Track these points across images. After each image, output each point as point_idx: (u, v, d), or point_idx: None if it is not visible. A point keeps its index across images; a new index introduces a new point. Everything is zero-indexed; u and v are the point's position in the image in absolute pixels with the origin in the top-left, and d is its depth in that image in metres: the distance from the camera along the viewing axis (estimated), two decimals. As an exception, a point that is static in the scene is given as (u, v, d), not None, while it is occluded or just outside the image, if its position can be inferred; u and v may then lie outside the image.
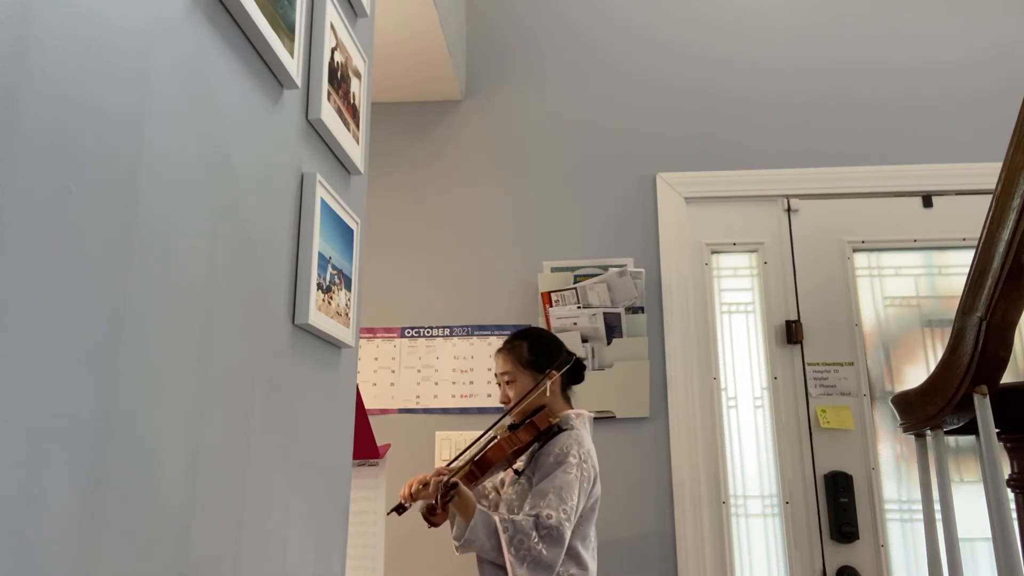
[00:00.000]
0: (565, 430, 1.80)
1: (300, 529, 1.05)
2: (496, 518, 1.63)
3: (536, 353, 1.87)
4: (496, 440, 1.75)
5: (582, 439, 1.78)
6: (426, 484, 1.76)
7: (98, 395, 0.62)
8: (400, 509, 1.79)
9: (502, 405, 1.90)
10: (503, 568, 1.61)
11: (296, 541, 1.03)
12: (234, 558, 0.86)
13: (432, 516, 1.66)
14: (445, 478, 1.64)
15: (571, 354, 1.96)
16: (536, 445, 1.80)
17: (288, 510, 1.01)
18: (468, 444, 1.85)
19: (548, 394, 1.85)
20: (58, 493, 0.57)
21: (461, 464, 1.73)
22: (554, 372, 1.87)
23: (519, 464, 1.85)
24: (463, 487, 1.64)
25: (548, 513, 1.63)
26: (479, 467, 1.72)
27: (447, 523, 1.81)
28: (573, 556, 1.70)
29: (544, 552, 1.60)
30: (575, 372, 1.96)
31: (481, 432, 1.83)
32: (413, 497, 1.77)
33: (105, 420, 0.63)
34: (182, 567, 0.75)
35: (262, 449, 0.93)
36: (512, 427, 1.83)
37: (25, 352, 0.54)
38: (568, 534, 1.64)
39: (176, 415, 0.74)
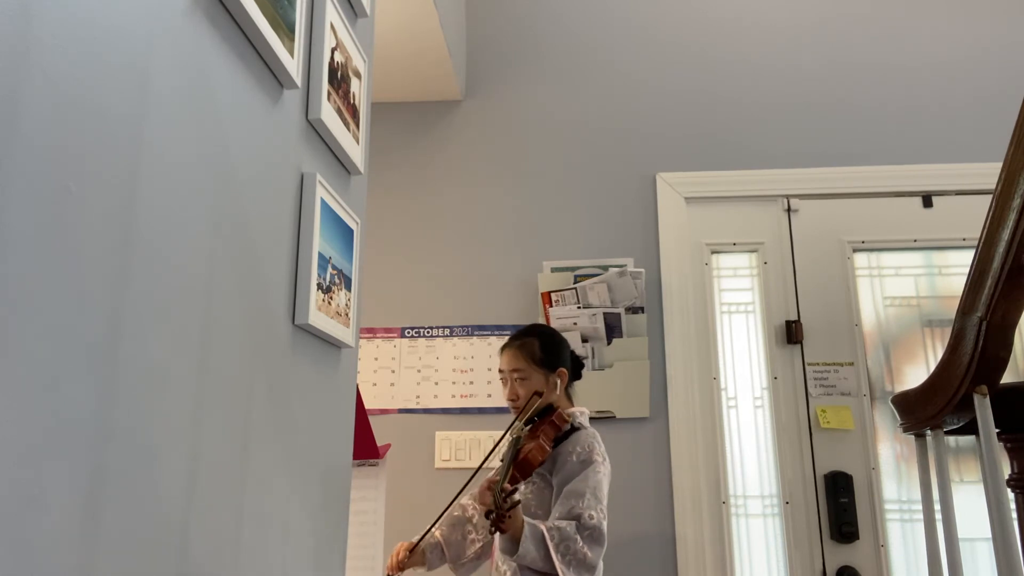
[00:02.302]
0: (577, 428, 1.81)
1: (300, 529, 1.05)
2: (542, 527, 1.61)
3: (548, 350, 1.87)
4: (532, 444, 1.68)
5: (598, 437, 1.80)
6: (412, 551, 1.77)
7: (98, 395, 0.62)
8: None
9: (508, 402, 1.89)
10: (542, 574, 1.61)
11: (296, 541, 1.03)
12: (234, 558, 0.86)
13: (501, 523, 1.53)
14: (498, 485, 1.55)
15: (574, 353, 1.98)
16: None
17: (288, 510, 1.01)
18: (490, 449, 1.83)
19: (557, 393, 1.85)
20: (58, 493, 0.57)
21: (504, 470, 1.63)
22: (564, 372, 1.87)
23: None
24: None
25: (590, 514, 1.64)
26: (521, 472, 1.65)
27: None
28: None
29: (588, 553, 1.61)
30: (576, 370, 1.97)
31: (503, 432, 1.79)
32: (401, 567, 1.76)
33: (105, 420, 0.63)
34: (182, 567, 0.75)
35: (262, 449, 0.93)
36: (529, 424, 1.78)
37: (25, 352, 0.54)
38: (606, 533, 1.66)
39: (176, 415, 0.74)
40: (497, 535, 1.61)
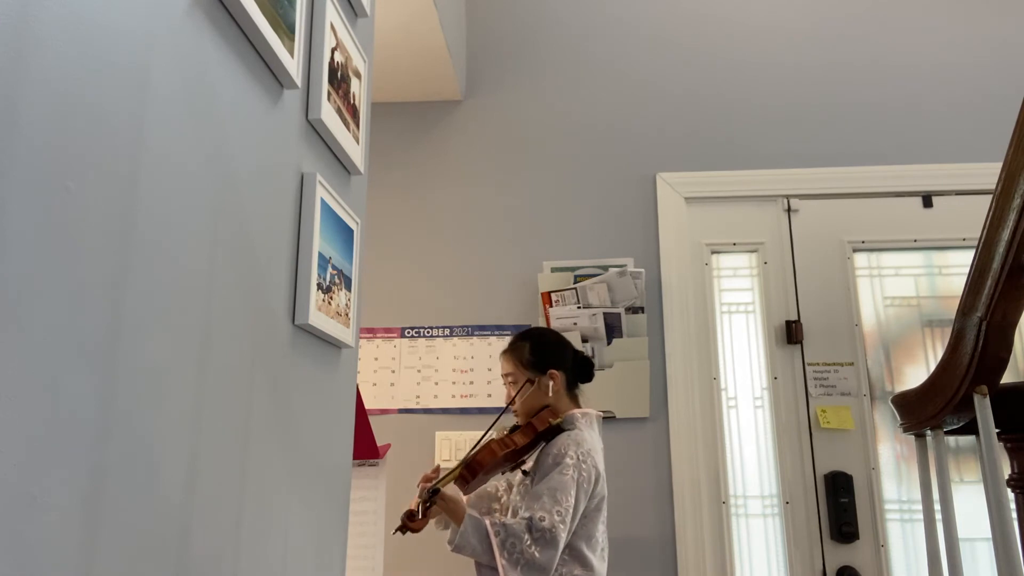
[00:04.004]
0: (566, 430, 1.79)
1: (300, 529, 1.05)
2: (487, 522, 1.62)
3: (537, 354, 1.86)
4: (488, 444, 1.73)
5: (581, 439, 1.76)
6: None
7: (98, 395, 0.62)
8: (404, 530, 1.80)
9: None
10: (498, 572, 1.61)
11: (296, 541, 1.03)
12: (234, 558, 0.86)
13: (411, 522, 1.64)
14: (431, 484, 1.64)
15: (580, 354, 1.95)
16: (543, 444, 1.79)
17: (288, 510, 1.01)
18: (475, 442, 1.85)
19: (551, 393, 1.84)
20: (58, 493, 0.57)
21: (451, 468, 1.71)
22: (557, 374, 1.85)
23: (528, 465, 1.83)
24: (445, 492, 1.63)
25: (541, 515, 1.62)
26: (469, 470, 1.70)
27: (445, 528, 1.82)
28: (578, 557, 1.69)
29: (537, 555, 1.59)
30: (583, 371, 1.93)
31: (483, 433, 1.81)
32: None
33: (105, 420, 0.63)
34: (182, 567, 0.75)
35: (262, 449, 0.93)
36: (512, 429, 1.82)
37: (25, 352, 0.54)
38: (562, 536, 1.63)
39: (176, 415, 0.74)
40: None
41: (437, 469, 1.81)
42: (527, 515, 1.63)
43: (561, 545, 1.63)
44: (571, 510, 1.66)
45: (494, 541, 1.59)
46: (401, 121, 2.78)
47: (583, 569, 1.70)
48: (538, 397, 1.83)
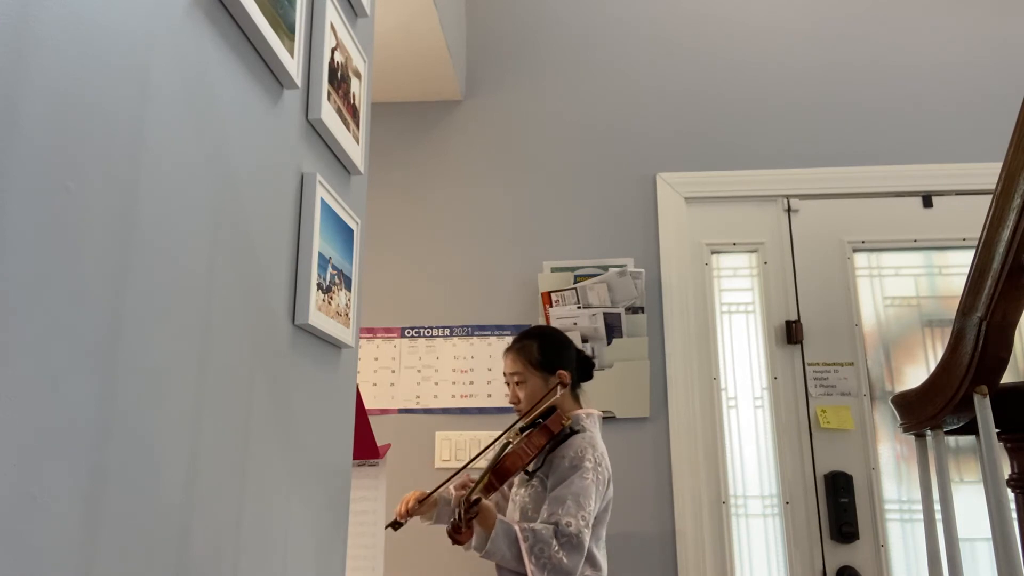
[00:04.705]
0: (577, 432, 1.79)
1: (300, 529, 1.05)
2: (516, 528, 1.62)
3: (546, 353, 1.86)
4: (512, 448, 1.71)
5: (595, 442, 1.78)
6: (422, 501, 1.78)
7: (98, 395, 0.62)
8: (396, 525, 1.80)
9: (511, 404, 1.91)
10: (518, 574, 1.62)
11: (296, 541, 1.03)
12: (234, 558, 0.86)
13: (458, 535, 1.62)
14: (466, 494, 1.62)
15: (581, 353, 1.96)
16: (548, 446, 1.79)
17: (288, 510, 1.01)
18: (481, 448, 1.84)
19: (559, 394, 1.84)
20: (58, 493, 0.57)
21: (480, 476, 1.69)
22: (565, 373, 1.85)
23: (530, 465, 1.84)
24: (484, 502, 1.62)
25: (568, 521, 1.63)
26: (497, 477, 1.68)
27: (434, 523, 1.82)
28: (588, 557, 1.70)
29: (564, 560, 1.60)
30: (584, 370, 1.95)
31: (496, 436, 1.81)
32: (409, 514, 1.79)
33: (105, 420, 0.63)
34: (182, 567, 0.75)
35: (262, 449, 0.93)
36: (523, 429, 1.80)
37: (25, 352, 0.54)
38: (587, 540, 1.64)
39: (176, 415, 0.74)
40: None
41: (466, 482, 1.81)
42: (553, 520, 1.64)
43: (586, 549, 1.64)
44: (593, 514, 1.68)
45: (523, 546, 1.60)
46: (401, 121, 2.78)
47: (592, 569, 1.72)
48: (548, 397, 1.83)
